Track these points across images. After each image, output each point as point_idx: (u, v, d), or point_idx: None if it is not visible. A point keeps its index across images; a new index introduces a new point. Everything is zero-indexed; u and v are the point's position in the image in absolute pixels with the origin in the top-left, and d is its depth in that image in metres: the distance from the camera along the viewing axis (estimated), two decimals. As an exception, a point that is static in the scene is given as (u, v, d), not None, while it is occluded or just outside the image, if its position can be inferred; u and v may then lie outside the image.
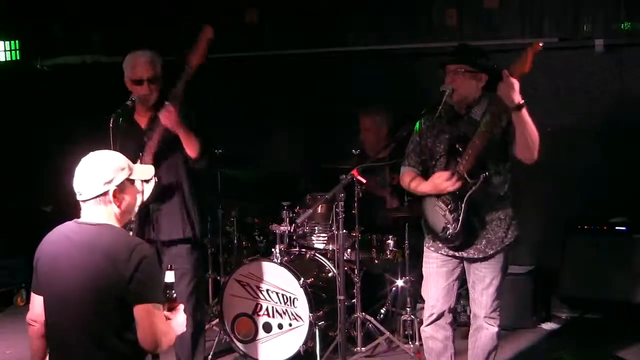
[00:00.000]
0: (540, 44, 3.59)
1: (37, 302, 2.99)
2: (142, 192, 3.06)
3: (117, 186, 2.90)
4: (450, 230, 3.93)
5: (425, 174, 4.06)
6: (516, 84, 3.61)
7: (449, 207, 3.95)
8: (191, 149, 4.27)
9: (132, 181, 2.99)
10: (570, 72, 5.93)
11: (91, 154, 2.95)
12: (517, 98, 3.62)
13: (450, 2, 6.16)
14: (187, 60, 4.11)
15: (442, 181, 3.89)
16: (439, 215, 3.99)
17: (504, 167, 3.95)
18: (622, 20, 5.70)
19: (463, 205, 3.88)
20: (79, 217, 2.96)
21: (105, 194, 2.89)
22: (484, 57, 3.98)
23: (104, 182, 2.88)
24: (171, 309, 2.96)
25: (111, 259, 2.77)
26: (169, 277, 2.98)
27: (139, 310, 2.77)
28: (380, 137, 5.70)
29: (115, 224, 2.92)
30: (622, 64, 5.78)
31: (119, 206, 2.92)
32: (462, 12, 6.14)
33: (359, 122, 5.85)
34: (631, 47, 5.74)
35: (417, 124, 4.09)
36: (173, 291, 2.99)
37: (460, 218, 3.89)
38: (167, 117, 4.14)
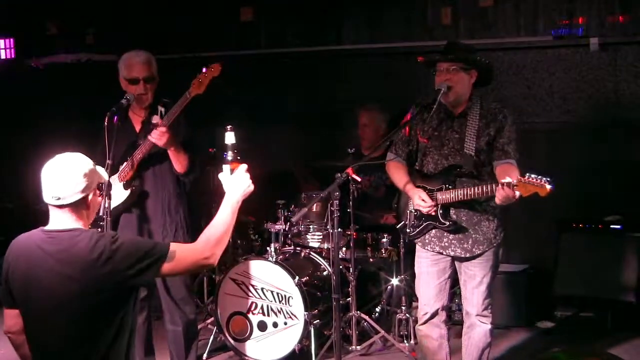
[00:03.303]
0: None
1: (10, 316, 2.92)
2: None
3: (91, 190, 2.85)
4: (407, 230, 4.14)
5: (411, 165, 4.16)
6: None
7: (416, 213, 4.06)
8: (179, 166, 4.29)
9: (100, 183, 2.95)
10: (564, 70, 5.94)
11: (62, 157, 2.85)
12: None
13: (446, 1, 6.16)
14: (189, 88, 4.11)
15: (420, 201, 3.96)
16: (407, 210, 4.15)
17: (491, 169, 3.95)
18: (617, 18, 5.70)
19: (422, 226, 4.04)
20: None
21: (84, 199, 2.83)
22: (473, 53, 4.00)
23: (83, 187, 2.81)
24: (233, 170, 2.85)
25: (92, 263, 2.69)
26: (230, 138, 2.87)
27: (166, 270, 2.75)
28: (378, 134, 5.69)
29: (85, 225, 2.86)
30: (616, 62, 5.79)
31: (91, 209, 2.88)
32: (457, 11, 6.15)
33: (357, 118, 5.84)
34: (626, 45, 5.75)
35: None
36: (235, 151, 2.87)
37: (416, 231, 4.07)
38: (159, 139, 4.13)
